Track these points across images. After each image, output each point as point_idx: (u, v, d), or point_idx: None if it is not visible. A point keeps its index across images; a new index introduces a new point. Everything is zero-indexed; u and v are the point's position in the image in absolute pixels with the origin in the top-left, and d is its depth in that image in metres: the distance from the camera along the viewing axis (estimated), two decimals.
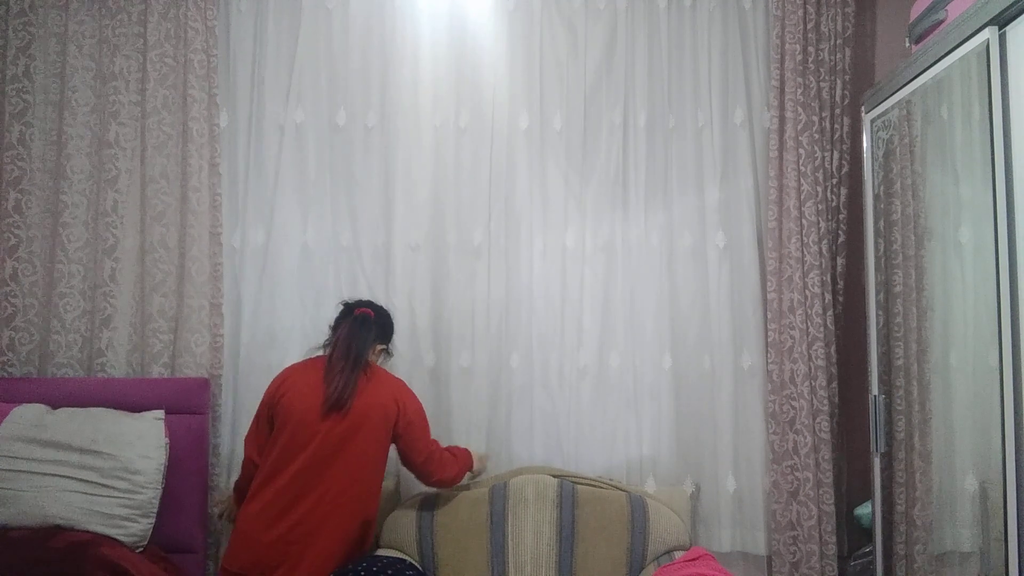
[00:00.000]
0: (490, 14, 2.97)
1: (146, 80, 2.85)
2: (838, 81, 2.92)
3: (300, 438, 2.28)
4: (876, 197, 2.52)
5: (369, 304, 2.55)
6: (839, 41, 2.92)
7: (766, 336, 2.90)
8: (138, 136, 2.87)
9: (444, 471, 2.50)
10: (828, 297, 2.85)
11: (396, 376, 2.52)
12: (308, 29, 2.96)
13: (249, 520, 2.24)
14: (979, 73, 1.91)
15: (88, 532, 2.28)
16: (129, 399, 2.64)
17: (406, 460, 2.46)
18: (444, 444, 2.89)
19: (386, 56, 2.96)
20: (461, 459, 2.59)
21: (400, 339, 2.89)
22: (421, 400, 2.88)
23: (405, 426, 2.40)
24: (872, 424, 2.47)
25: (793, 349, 2.81)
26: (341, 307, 2.57)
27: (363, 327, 2.43)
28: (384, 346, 2.56)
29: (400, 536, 2.61)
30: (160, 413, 2.57)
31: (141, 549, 2.37)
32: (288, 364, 2.90)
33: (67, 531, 2.27)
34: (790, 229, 2.83)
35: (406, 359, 2.90)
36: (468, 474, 2.65)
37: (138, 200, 2.86)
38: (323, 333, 2.89)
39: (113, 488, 2.36)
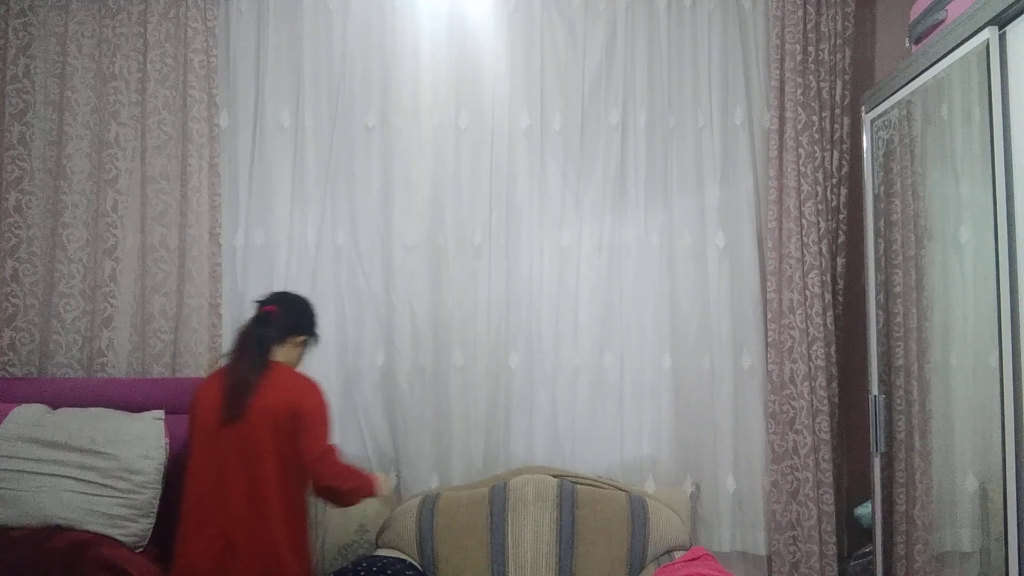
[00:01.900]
0: (490, 14, 2.97)
1: (146, 80, 2.85)
2: (838, 81, 2.92)
3: (205, 455, 2.14)
4: (876, 197, 2.52)
5: (277, 298, 2.37)
6: (839, 41, 2.92)
7: (766, 336, 2.90)
8: (138, 136, 2.87)
9: (337, 479, 2.17)
10: (828, 297, 2.85)
11: (303, 375, 2.27)
12: (308, 29, 2.96)
13: (179, 543, 2.13)
14: (979, 73, 1.91)
15: (88, 532, 2.28)
16: (129, 399, 2.63)
17: (301, 458, 2.17)
18: (443, 444, 2.90)
19: (386, 56, 2.96)
20: (362, 479, 2.28)
21: (400, 339, 2.90)
22: (420, 400, 2.90)
23: (298, 422, 2.15)
24: (872, 424, 2.47)
25: (793, 349, 2.80)
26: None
27: (259, 326, 2.25)
28: (303, 337, 2.36)
29: (400, 536, 2.61)
30: (160, 413, 2.57)
31: (141, 549, 2.37)
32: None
33: (67, 531, 2.26)
34: (790, 229, 2.83)
35: (406, 359, 2.90)
36: (379, 499, 2.39)
37: (138, 200, 2.86)
38: (322, 333, 2.89)
39: (113, 488, 2.36)
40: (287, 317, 2.31)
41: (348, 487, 2.22)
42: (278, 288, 2.88)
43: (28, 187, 2.83)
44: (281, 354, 2.26)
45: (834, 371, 2.86)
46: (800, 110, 2.85)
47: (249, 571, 2.07)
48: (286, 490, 2.13)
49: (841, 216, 2.91)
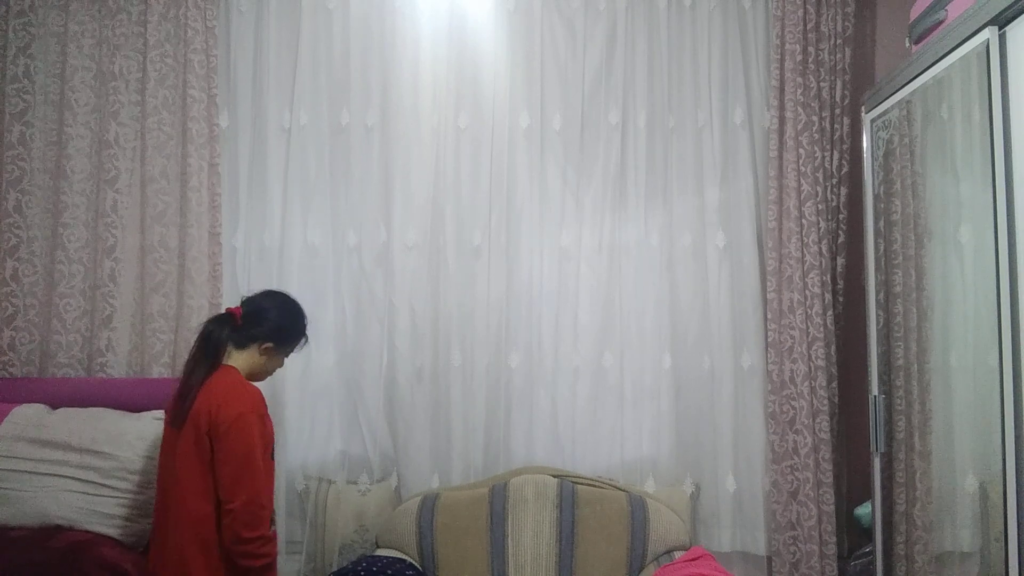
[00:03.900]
0: (490, 14, 2.97)
1: (146, 80, 2.85)
2: (838, 81, 2.92)
3: (163, 456, 2.09)
4: (876, 197, 2.52)
5: (251, 299, 2.22)
6: (839, 41, 2.92)
7: (766, 336, 2.89)
8: (138, 136, 2.87)
9: (247, 522, 1.91)
10: (828, 297, 2.85)
11: (240, 382, 2.07)
12: (308, 29, 2.95)
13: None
14: (979, 73, 1.91)
15: (88, 532, 2.28)
16: (129, 399, 2.63)
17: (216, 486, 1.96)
18: (443, 444, 2.89)
19: (386, 56, 2.96)
20: (274, 550, 2.01)
21: (400, 339, 2.89)
22: (420, 400, 2.88)
23: (214, 433, 1.95)
24: (872, 424, 2.47)
25: (793, 349, 2.80)
26: None
27: (215, 326, 2.11)
28: (268, 344, 2.16)
29: (400, 536, 2.61)
30: (160, 413, 2.56)
31: (141, 549, 2.37)
32: (287, 364, 2.90)
33: (67, 531, 2.26)
34: (790, 229, 2.83)
35: (406, 359, 2.90)
36: None
37: (138, 200, 2.86)
38: (323, 333, 2.89)
39: (113, 488, 2.36)
40: (250, 321, 2.14)
41: (254, 535, 1.92)
42: (276, 288, 2.87)
43: (28, 187, 2.83)
44: (240, 359, 2.12)
45: (834, 371, 2.86)
46: (800, 110, 2.85)
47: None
48: (203, 506, 1.95)
49: (841, 216, 2.91)
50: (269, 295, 2.27)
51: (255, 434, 1.98)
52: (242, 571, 1.94)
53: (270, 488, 2.11)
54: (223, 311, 2.21)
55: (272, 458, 2.13)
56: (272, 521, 2.13)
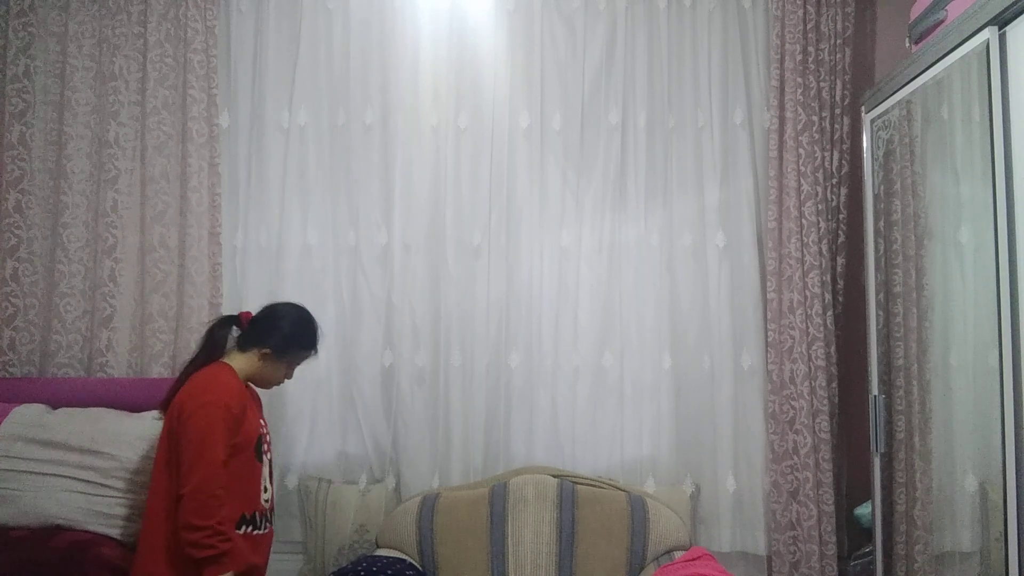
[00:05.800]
0: (490, 14, 2.97)
1: (146, 80, 2.85)
2: (838, 81, 2.92)
3: None
4: (876, 197, 2.52)
5: (264, 307, 2.28)
6: (839, 41, 2.92)
7: (766, 336, 2.89)
8: (138, 136, 2.87)
9: (195, 509, 1.90)
10: (828, 297, 2.85)
11: (219, 376, 2.08)
12: (308, 29, 2.96)
13: None
14: (979, 73, 1.91)
15: (88, 532, 2.28)
16: (129, 399, 2.63)
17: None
18: (443, 444, 2.89)
19: (386, 56, 2.96)
20: (223, 545, 1.94)
21: (400, 339, 2.90)
22: (420, 400, 2.89)
23: (179, 423, 1.99)
24: (872, 424, 2.47)
25: (793, 349, 2.80)
26: None
27: (218, 326, 2.20)
28: (266, 350, 2.17)
29: (400, 536, 2.61)
30: (160, 413, 2.57)
31: None
32: None
33: (67, 531, 2.26)
34: (790, 229, 2.83)
35: (406, 359, 2.90)
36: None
37: (138, 200, 2.86)
38: (323, 333, 2.89)
39: (113, 488, 2.35)
40: (256, 326, 2.21)
41: (199, 527, 1.90)
42: (276, 289, 2.89)
43: (28, 187, 2.83)
44: (239, 360, 2.17)
45: (834, 371, 2.86)
46: (800, 110, 2.85)
47: (134, 569, 2.04)
48: (169, 493, 1.98)
49: (841, 216, 2.91)
50: (285, 305, 2.30)
51: (217, 424, 1.98)
52: (191, 561, 1.93)
53: (254, 486, 2.10)
54: (235, 313, 2.26)
55: (258, 459, 2.11)
56: (269, 519, 2.16)
